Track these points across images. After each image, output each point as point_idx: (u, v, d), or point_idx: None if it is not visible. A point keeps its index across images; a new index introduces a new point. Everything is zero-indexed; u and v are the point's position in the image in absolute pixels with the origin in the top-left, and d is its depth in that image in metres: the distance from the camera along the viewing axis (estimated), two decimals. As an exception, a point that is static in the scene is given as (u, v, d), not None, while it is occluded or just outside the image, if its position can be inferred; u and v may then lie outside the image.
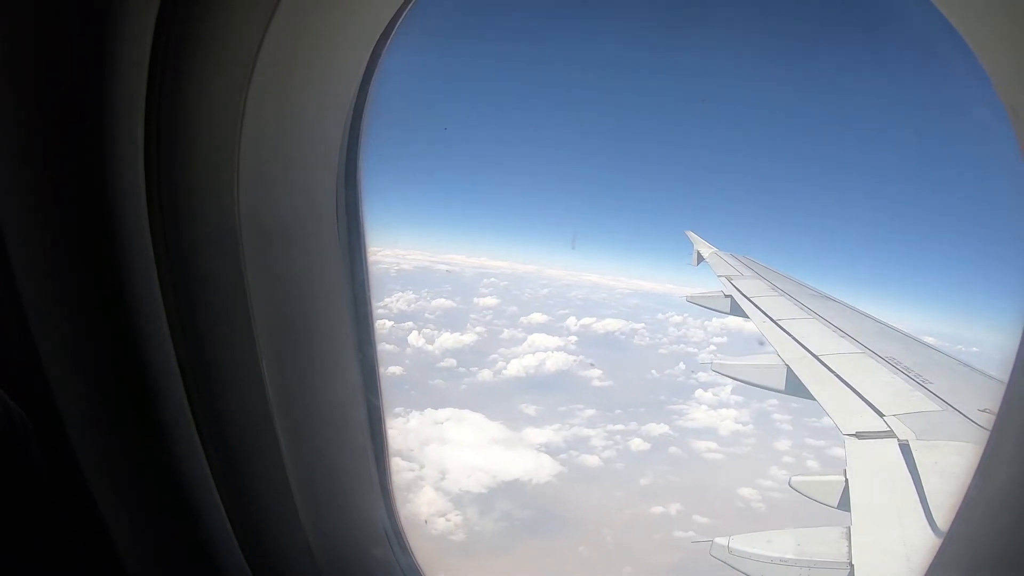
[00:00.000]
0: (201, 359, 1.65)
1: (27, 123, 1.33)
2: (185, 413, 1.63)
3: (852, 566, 5.27)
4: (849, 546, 5.47)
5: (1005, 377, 1.55)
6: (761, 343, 9.71)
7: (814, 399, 7.95)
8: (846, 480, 6.25)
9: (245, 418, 1.76)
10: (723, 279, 12.28)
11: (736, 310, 11.17)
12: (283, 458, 1.80)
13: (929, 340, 10.15)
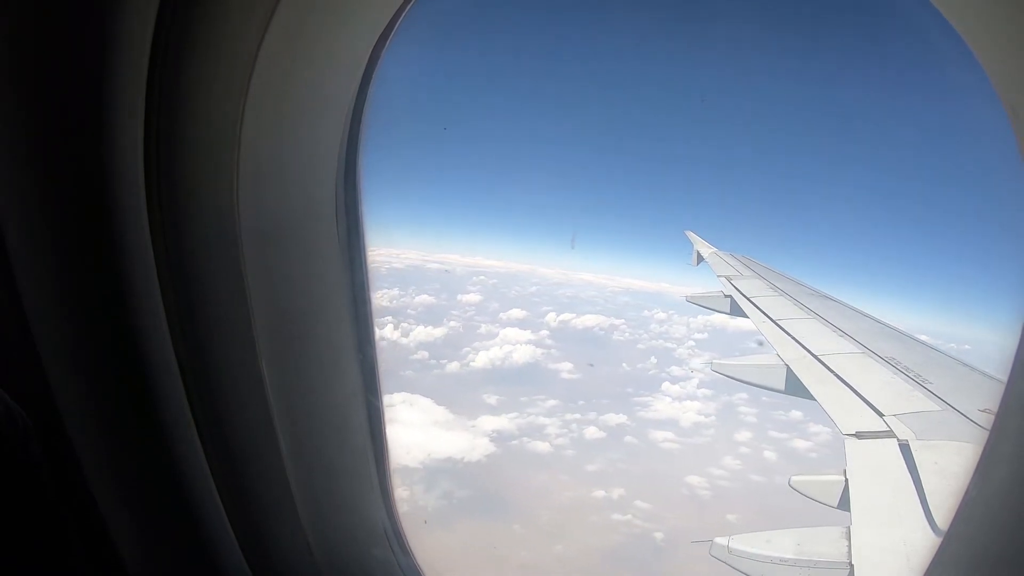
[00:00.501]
0: (201, 359, 1.65)
1: (27, 123, 1.33)
2: (185, 413, 1.63)
3: (852, 566, 5.26)
4: (849, 546, 5.46)
5: (1004, 377, 1.55)
6: (760, 343, 9.70)
7: (814, 399, 7.95)
8: (846, 480, 6.24)
9: (245, 418, 1.76)
10: (723, 279, 12.27)
11: (736, 310, 11.17)
12: (283, 458, 1.80)
13: (923, 338, 10.13)
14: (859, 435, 6.84)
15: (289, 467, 1.81)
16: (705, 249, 14.40)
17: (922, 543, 5.03)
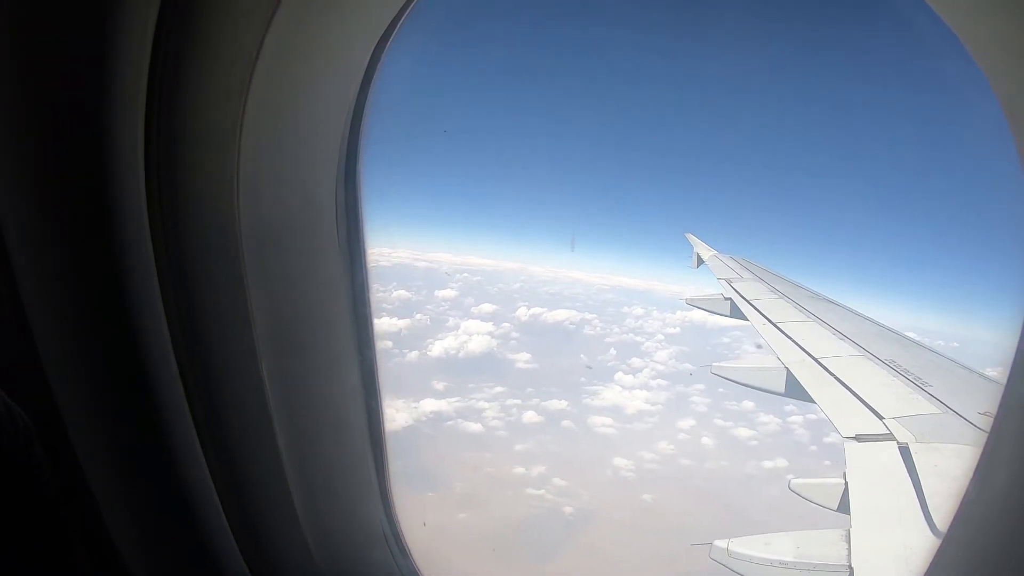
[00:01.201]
0: (201, 359, 1.65)
1: (27, 124, 1.33)
2: (185, 414, 1.63)
3: (852, 568, 5.25)
4: (849, 549, 5.46)
5: (1003, 379, 1.55)
6: (759, 345, 9.68)
7: (813, 402, 7.94)
8: (846, 483, 6.23)
9: (244, 419, 1.75)
10: (723, 281, 12.26)
11: (736, 312, 11.16)
12: (282, 459, 1.80)
13: (923, 340, 10.11)
14: (859, 438, 6.82)
15: (288, 468, 1.81)
16: (705, 251, 14.39)
17: (922, 546, 5.03)
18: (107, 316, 1.49)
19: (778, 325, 9.95)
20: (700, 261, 14.06)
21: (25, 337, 1.39)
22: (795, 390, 8.46)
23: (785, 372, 8.75)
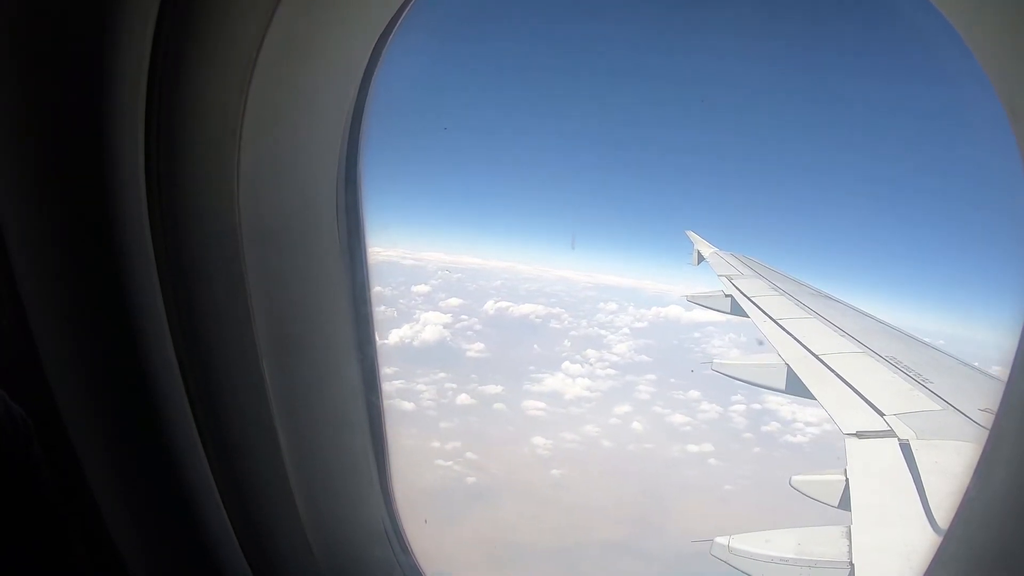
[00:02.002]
0: (201, 359, 1.65)
1: (27, 124, 1.33)
2: (185, 413, 1.63)
3: (852, 565, 5.26)
4: (850, 545, 5.46)
5: (1004, 376, 1.55)
6: (761, 342, 9.68)
7: (814, 398, 7.94)
8: (846, 479, 6.23)
9: (245, 418, 1.75)
10: (723, 279, 12.25)
11: (736, 309, 11.15)
12: (283, 457, 1.80)
13: (924, 337, 10.14)
14: (860, 434, 6.83)
15: (289, 466, 1.81)
16: (706, 249, 14.38)
17: (922, 542, 5.03)
18: (107, 316, 1.49)
19: (779, 322, 9.94)
20: (701, 258, 14.05)
21: (25, 337, 1.39)
22: (796, 387, 8.46)
23: (786, 369, 8.76)
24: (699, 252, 14.27)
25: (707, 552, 6.22)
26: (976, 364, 8.65)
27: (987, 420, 6.56)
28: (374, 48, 1.76)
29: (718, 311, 11.69)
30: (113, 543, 1.55)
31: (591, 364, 30.21)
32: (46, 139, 1.36)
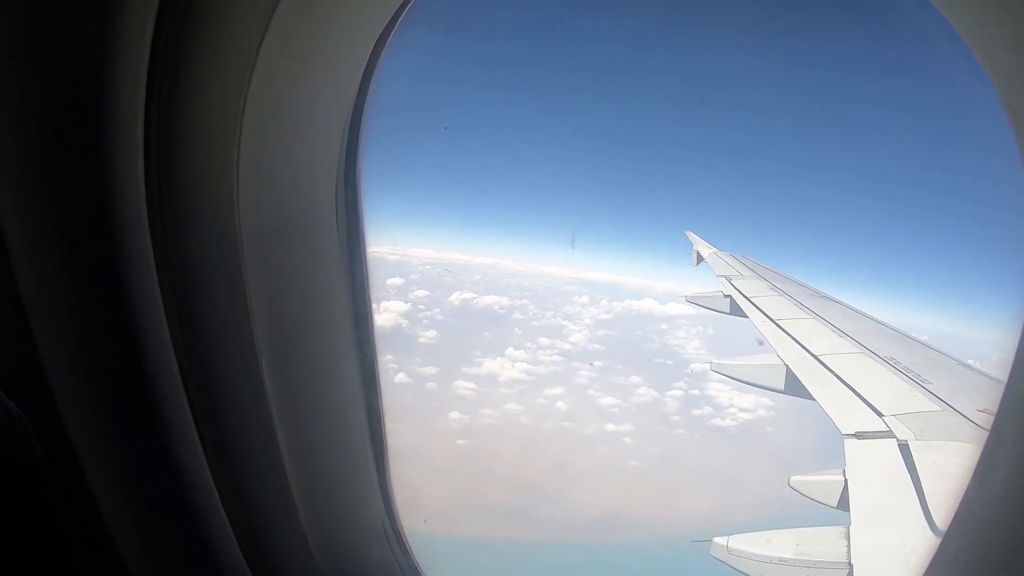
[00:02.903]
0: (201, 358, 1.64)
1: (28, 124, 1.33)
2: (185, 413, 1.63)
3: (851, 566, 5.26)
4: (848, 546, 5.46)
5: (1004, 377, 1.55)
6: (760, 342, 9.69)
7: (813, 399, 7.94)
8: (845, 480, 6.24)
9: (245, 418, 1.75)
10: (722, 279, 12.26)
11: (735, 310, 11.16)
12: (282, 457, 1.80)
13: (923, 338, 10.17)
14: (859, 435, 6.83)
15: (289, 466, 1.81)
16: (705, 249, 14.39)
17: (921, 543, 5.03)
18: (107, 316, 1.49)
19: (778, 322, 9.95)
20: (700, 259, 14.06)
21: (25, 337, 1.39)
22: (795, 387, 8.47)
23: (785, 369, 8.76)
24: (698, 252, 14.28)
25: (706, 552, 6.23)
26: (975, 364, 8.66)
27: (985, 421, 6.58)
28: (374, 47, 1.76)
29: (717, 311, 11.69)
30: (113, 543, 1.55)
31: (538, 350, 31.12)
32: (46, 139, 1.35)
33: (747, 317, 10.56)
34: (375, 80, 1.81)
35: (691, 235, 15.49)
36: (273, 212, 1.70)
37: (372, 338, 2.02)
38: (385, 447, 2.11)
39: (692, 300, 12.62)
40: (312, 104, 1.74)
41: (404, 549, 2.18)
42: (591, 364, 30.56)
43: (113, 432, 1.54)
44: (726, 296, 11.54)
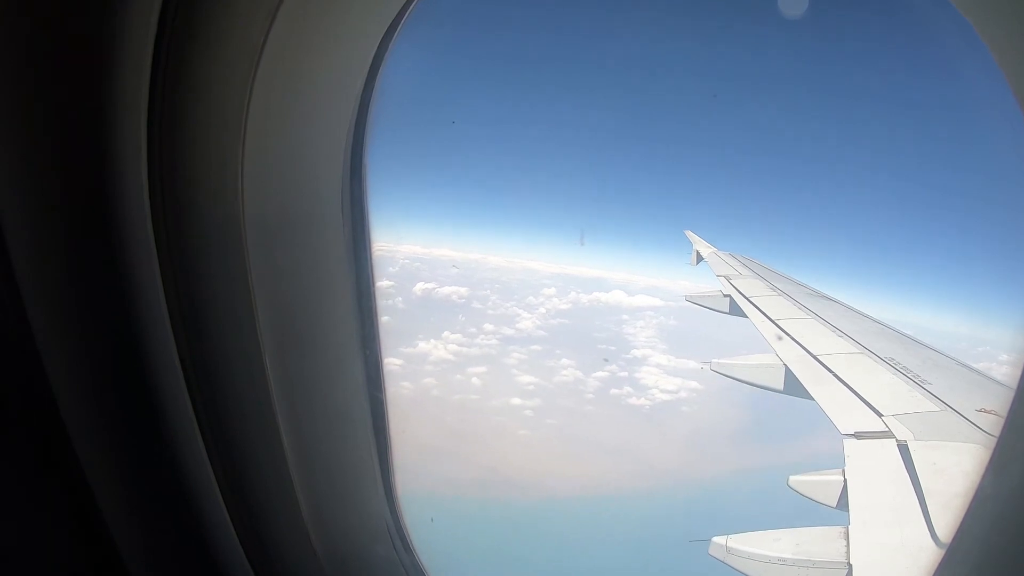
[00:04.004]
0: (204, 356, 1.63)
1: (29, 117, 1.31)
2: (187, 410, 1.62)
3: (851, 566, 5.27)
4: (848, 546, 5.48)
5: (1009, 373, 1.53)
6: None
7: (812, 399, 7.96)
8: (845, 480, 6.25)
9: (247, 416, 1.74)
10: (722, 278, 12.29)
11: (735, 309, 11.18)
12: (286, 455, 1.79)
13: (923, 338, 10.22)
14: (858, 435, 6.85)
15: (292, 464, 1.80)
16: (704, 248, 14.43)
17: (921, 543, 5.04)
18: (108, 312, 1.47)
19: (777, 322, 9.98)
20: (699, 258, 14.10)
21: (25, 335, 1.37)
22: (794, 387, 8.49)
23: (784, 369, 8.78)
24: (698, 252, 14.31)
25: (704, 552, 6.24)
26: (974, 365, 8.69)
27: (984, 421, 6.60)
28: (380, 42, 1.76)
29: (717, 311, 11.71)
30: (113, 543, 1.54)
31: (478, 335, 32.86)
32: (48, 133, 1.34)
33: (747, 317, 10.58)
34: (381, 75, 1.80)
35: (691, 234, 15.54)
36: (277, 208, 1.69)
37: (377, 334, 2.02)
38: (389, 445, 2.11)
39: (691, 299, 12.65)
40: (317, 99, 1.73)
41: (407, 548, 2.17)
42: (605, 361, 31.52)
43: (114, 431, 1.53)
44: (726, 296, 11.58)
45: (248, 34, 1.47)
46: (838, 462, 6.60)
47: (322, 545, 1.92)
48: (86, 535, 1.50)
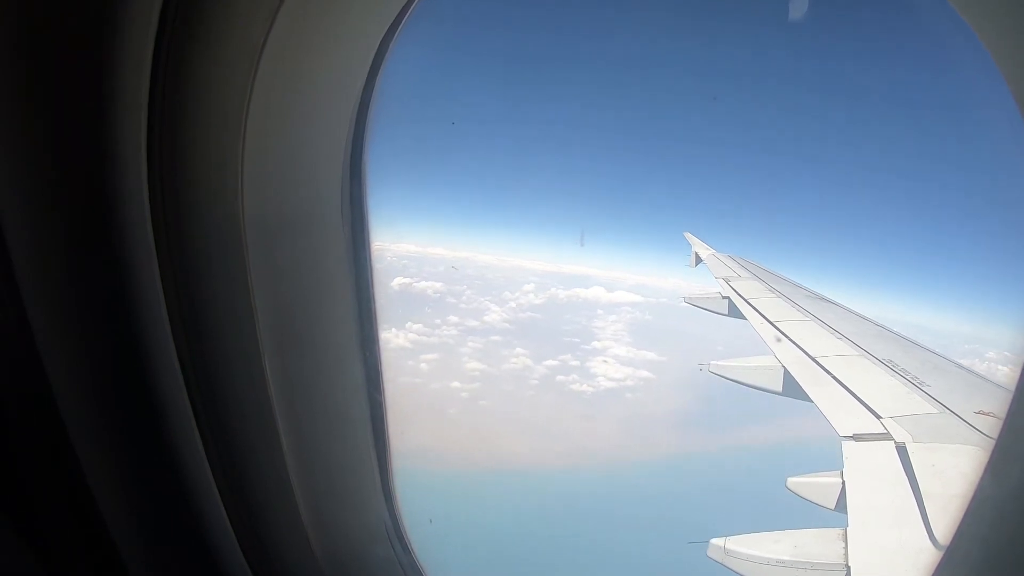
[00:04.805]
0: (203, 356, 1.63)
1: (29, 117, 1.31)
2: (186, 410, 1.61)
3: (849, 567, 5.28)
4: (846, 547, 5.48)
5: (1008, 374, 1.54)
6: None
7: (811, 401, 7.96)
8: (843, 482, 6.26)
9: (247, 415, 1.74)
10: (721, 280, 12.30)
11: (734, 311, 11.19)
12: (284, 455, 1.78)
13: (922, 340, 10.25)
14: (856, 437, 6.85)
15: (291, 464, 1.80)
16: (704, 250, 14.44)
17: (919, 545, 5.05)
18: (108, 312, 1.47)
19: (776, 324, 9.98)
20: (699, 260, 14.10)
21: (25, 337, 1.37)
22: (792, 389, 8.50)
23: (782, 371, 8.79)
24: (697, 254, 14.32)
25: (703, 553, 6.24)
26: (973, 366, 8.70)
27: (982, 423, 6.60)
28: (382, 41, 1.76)
29: (716, 312, 11.71)
30: (113, 543, 1.54)
31: (441, 326, 33.73)
32: (47, 133, 1.34)
33: (745, 319, 10.59)
34: (381, 74, 1.80)
35: (690, 236, 15.55)
36: (277, 208, 1.69)
37: (376, 335, 2.01)
38: (388, 445, 2.10)
39: (690, 301, 12.65)
40: (317, 99, 1.73)
41: (406, 549, 2.17)
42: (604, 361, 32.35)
43: (113, 431, 1.53)
44: (724, 297, 11.58)
45: (248, 34, 1.47)
46: (836, 464, 6.61)
47: (321, 545, 1.92)
48: (85, 535, 1.49)
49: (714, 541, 6.20)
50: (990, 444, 1.58)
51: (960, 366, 8.76)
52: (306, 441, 1.86)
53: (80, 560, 1.45)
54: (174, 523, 1.66)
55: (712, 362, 10.05)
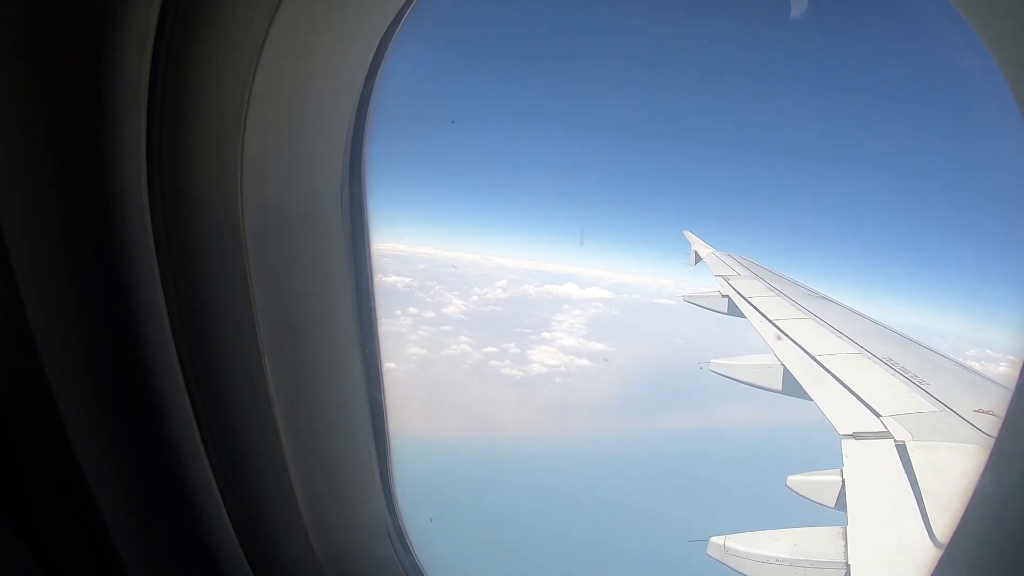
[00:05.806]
0: (203, 355, 1.63)
1: (28, 117, 1.31)
2: (186, 410, 1.61)
3: (849, 566, 5.28)
4: (846, 546, 5.48)
5: (1008, 374, 1.54)
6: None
7: (811, 399, 7.96)
8: (843, 480, 6.26)
9: (247, 415, 1.74)
10: (720, 279, 12.29)
11: (733, 310, 11.18)
12: (285, 455, 1.79)
13: (922, 339, 10.24)
14: (856, 436, 6.85)
15: (291, 464, 1.80)
16: (703, 249, 14.42)
17: (919, 543, 5.05)
18: (108, 312, 1.47)
19: (775, 322, 9.97)
20: (698, 258, 14.10)
21: (25, 337, 1.37)
22: (792, 387, 8.50)
23: (782, 370, 8.79)
24: (696, 252, 14.31)
25: (703, 552, 6.24)
26: (973, 365, 8.71)
27: (982, 421, 6.61)
28: (381, 40, 1.75)
29: (715, 311, 11.71)
30: (112, 543, 1.54)
31: (397, 316, 34.54)
32: (47, 134, 1.34)
33: (745, 317, 10.59)
34: (380, 74, 1.80)
35: (689, 235, 15.53)
36: (277, 207, 1.69)
37: (376, 334, 2.01)
38: (388, 445, 2.11)
39: (690, 300, 12.64)
40: (317, 98, 1.73)
41: (407, 548, 2.17)
42: (605, 360, 32.86)
43: (113, 431, 1.53)
44: (724, 296, 11.58)
45: (248, 34, 1.47)
46: (836, 462, 6.61)
47: (321, 545, 1.92)
48: (85, 535, 1.49)
49: (714, 539, 6.21)
50: (990, 443, 1.58)
51: (960, 365, 8.77)
52: (306, 441, 1.86)
53: (80, 560, 1.45)
54: (174, 523, 1.66)
55: (712, 360, 10.05)
